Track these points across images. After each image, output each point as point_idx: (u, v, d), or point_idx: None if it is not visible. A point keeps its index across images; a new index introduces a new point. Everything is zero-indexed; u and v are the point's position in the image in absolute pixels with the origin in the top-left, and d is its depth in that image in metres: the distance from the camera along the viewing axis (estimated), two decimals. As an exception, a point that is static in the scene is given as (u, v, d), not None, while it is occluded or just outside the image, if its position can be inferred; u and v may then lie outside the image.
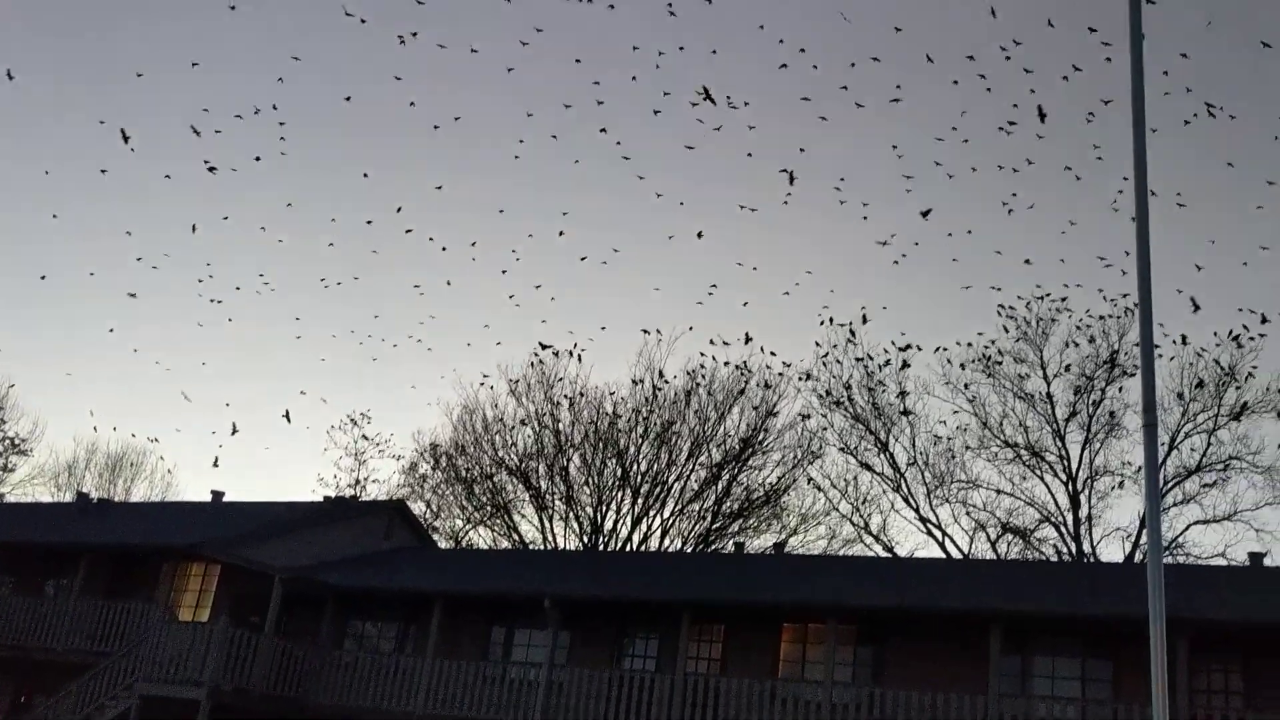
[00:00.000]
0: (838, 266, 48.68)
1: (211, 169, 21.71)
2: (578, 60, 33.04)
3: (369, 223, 44.27)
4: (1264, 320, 29.43)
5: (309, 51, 48.65)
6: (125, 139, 21.43)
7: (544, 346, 37.85)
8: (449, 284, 42.86)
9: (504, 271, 48.05)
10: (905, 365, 35.74)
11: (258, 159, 27.07)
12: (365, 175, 45.25)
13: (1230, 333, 32.77)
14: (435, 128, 43.06)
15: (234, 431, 32.25)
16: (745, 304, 45.15)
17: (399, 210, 40.22)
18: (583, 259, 34.77)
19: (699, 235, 23.77)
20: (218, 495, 32.24)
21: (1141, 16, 7.98)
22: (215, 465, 45.94)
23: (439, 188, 42.28)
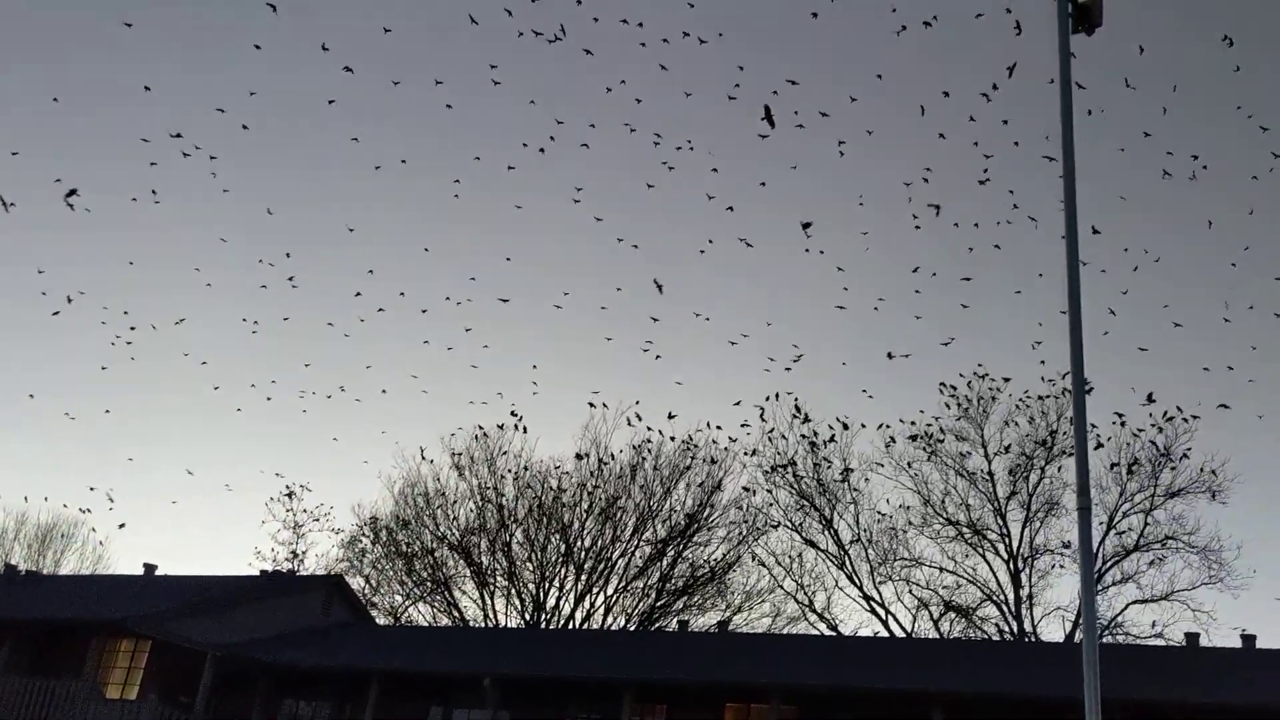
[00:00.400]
0: (795, 317, 48.60)
1: (71, 193, 20.45)
2: (532, 101, 33.09)
3: (271, 265, 43.05)
4: (1150, 399, 30.11)
5: (259, 84, 48.17)
6: (71, 196, 20.64)
7: (514, 416, 37.67)
8: (362, 321, 41.39)
9: (425, 310, 46.51)
10: (831, 440, 36.13)
11: (149, 195, 26.16)
12: (269, 211, 43.49)
13: (1165, 413, 33.41)
14: (377, 167, 42.50)
15: (111, 504, 31.49)
16: (658, 357, 44.15)
17: (288, 255, 38.97)
18: (502, 300, 33.72)
19: (602, 308, 23.64)
20: (150, 569, 31.51)
21: (1072, 107, 8.27)
22: (122, 528, 44.54)
23: (351, 229, 41.14)
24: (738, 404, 36.10)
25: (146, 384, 56.72)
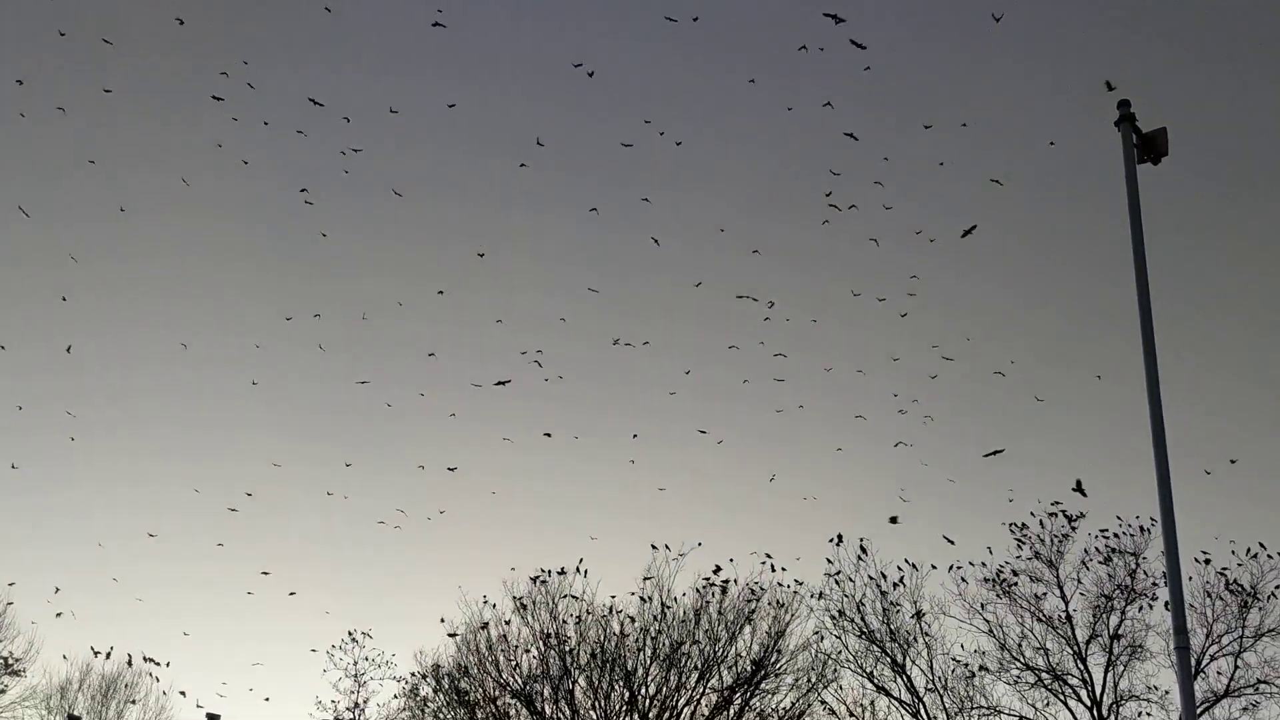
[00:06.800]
0: (859, 464, 46.98)
1: None
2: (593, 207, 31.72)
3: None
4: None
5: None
6: None
7: (578, 563, 37.32)
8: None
9: (453, 415, 43.85)
10: (900, 582, 35.10)
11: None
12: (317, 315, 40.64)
13: (1248, 550, 32.34)
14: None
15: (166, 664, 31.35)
16: (699, 544, 41.30)
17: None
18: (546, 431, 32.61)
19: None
20: (214, 718, 31.22)
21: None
22: (183, 695, 42.08)
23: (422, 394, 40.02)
24: (839, 574, 35.36)
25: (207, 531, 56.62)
